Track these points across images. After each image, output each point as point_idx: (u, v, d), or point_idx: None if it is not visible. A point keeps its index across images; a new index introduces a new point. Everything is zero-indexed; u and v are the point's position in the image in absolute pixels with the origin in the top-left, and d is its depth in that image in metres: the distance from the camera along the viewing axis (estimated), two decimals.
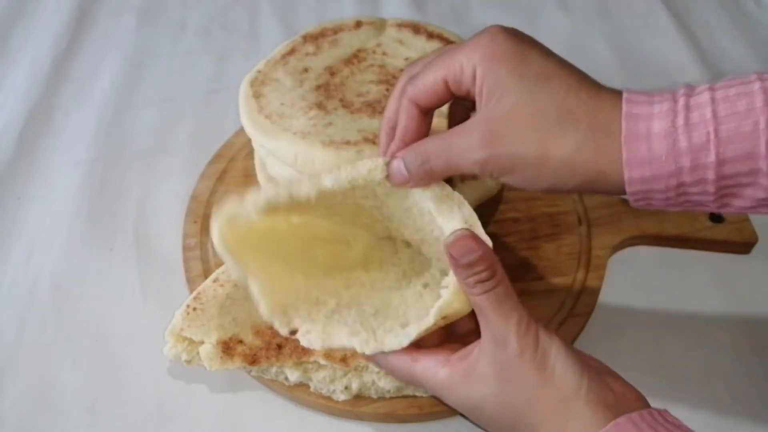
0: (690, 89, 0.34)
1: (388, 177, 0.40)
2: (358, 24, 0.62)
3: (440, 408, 0.50)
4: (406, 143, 0.39)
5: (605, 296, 0.57)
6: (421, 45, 0.60)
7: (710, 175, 0.32)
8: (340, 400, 0.50)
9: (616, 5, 0.91)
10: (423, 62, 0.40)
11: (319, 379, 0.49)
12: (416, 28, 0.61)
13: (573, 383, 0.37)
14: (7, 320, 0.56)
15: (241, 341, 0.49)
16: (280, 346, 0.49)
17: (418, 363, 0.39)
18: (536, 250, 0.59)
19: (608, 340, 0.55)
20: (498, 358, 0.37)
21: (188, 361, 0.49)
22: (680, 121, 0.32)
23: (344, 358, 0.49)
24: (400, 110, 0.39)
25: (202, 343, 0.49)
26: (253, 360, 0.48)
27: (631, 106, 0.34)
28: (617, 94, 0.35)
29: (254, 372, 0.50)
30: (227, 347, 0.48)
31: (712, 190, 0.33)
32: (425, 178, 0.39)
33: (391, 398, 0.50)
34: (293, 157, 0.51)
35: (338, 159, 0.49)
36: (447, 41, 0.60)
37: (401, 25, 0.62)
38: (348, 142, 0.50)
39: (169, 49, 0.83)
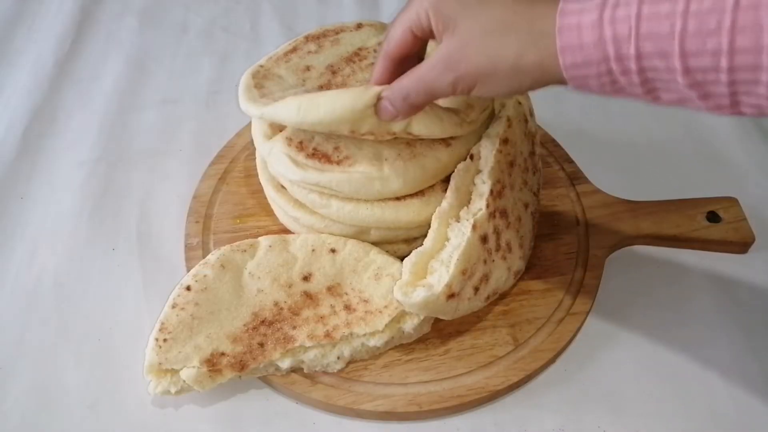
0: None
1: (378, 116, 0.47)
2: (359, 26, 0.62)
3: (439, 406, 0.50)
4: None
5: (603, 296, 0.58)
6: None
7: (633, 65, 0.36)
8: (336, 370, 0.51)
9: None
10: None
11: (311, 359, 0.50)
12: None
13: None
14: (10, 319, 0.57)
15: (223, 353, 0.49)
16: (261, 344, 0.50)
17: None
18: (535, 249, 0.59)
19: (605, 339, 0.56)
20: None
21: (178, 392, 0.49)
22: (607, 14, 0.36)
23: (328, 333, 0.50)
24: (376, 66, 0.48)
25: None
26: (241, 367, 0.49)
27: (565, 3, 0.38)
28: (552, 2, 0.39)
29: (246, 375, 0.50)
30: (212, 364, 0.49)
31: (637, 81, 0.37)
32: (410, 110, 0.47)
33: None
34: (296, 108, 0.49)
35: (345, 95, 0.48)
36: None
37: None
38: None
39: (171, 51, 0.84)
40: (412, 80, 0.45)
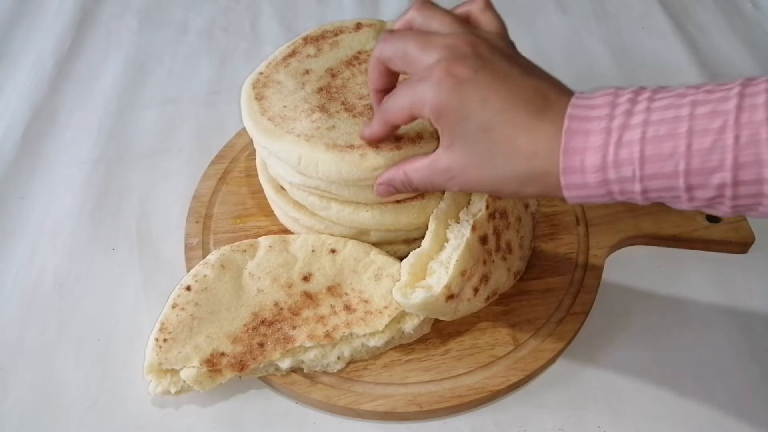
0: (627, 116, 0.36)
1: (376, 193, 0.50)
2: (358, 26, 0.62)
3: (439, 406, 0.50)
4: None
5: (603, 295, 0.58)
6: None
7: (638, 197, 0.38)
8: (336, 370, 0.51)
9: (614, 7, 0.91)
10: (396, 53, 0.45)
11: (311, 359, 0.50)
12: None
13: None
14: (10, 319, 0.57)
15: (222, 353, 0.49)
16: (261, 345, 0.50)
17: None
18: (535, 249, 0.59)
19: (605, 339, 0.56)
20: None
21: (179, 392, 0.49)
22: (610, 157, 0.36)
23: (328, 333, 0.50)
24: (374, 124, 0.48)
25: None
26: (241, 367, 0.49)
27: (569, 138, 0.38)
28: (557, 121, 0.38)
29: (246, 375, 0.50)
30: (212, 364, 0.49)
31: (641, 201, 0.38)
32: (413, 192, 0.50)
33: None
34: (297, 159, 0.51)
35: (342, 162, 0.50)
36: None
37: None
38: (351, 146, 0.51)
39: (171, 51, 0.84)
40: (417, 177, 0.46)
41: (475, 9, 0.46)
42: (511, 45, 0.44)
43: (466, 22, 0.45)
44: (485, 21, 0.45)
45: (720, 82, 0.36)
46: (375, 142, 0.50)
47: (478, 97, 0.40)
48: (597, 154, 0.37)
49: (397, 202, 0.54)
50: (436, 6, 0.46)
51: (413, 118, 0.44)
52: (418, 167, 0.46)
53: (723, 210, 0.37)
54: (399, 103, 0.44)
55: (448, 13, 0.46)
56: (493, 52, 0.42)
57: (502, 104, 0.39)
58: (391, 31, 0.46)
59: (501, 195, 0.46)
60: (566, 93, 0.40)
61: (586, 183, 0.38)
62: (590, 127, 0.37)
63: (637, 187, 0.37)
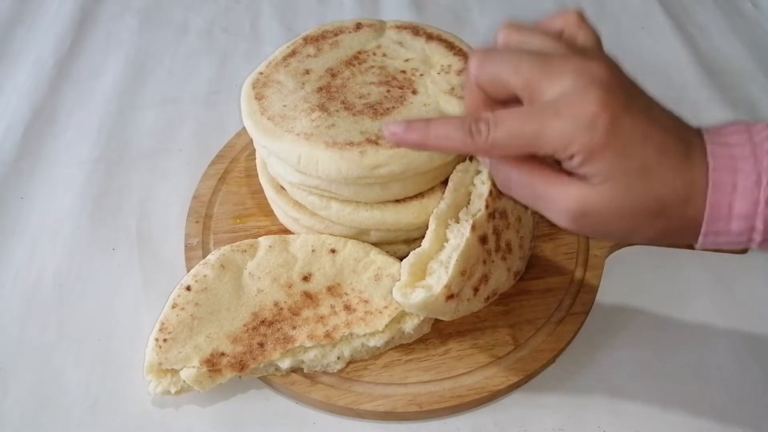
0: None
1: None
2: (358, 26, 0.62)
3: (439, 406, 0.50)
4: None
5: (603, 295, 0.58)
6: (420, 46, 0.60)
7: None
8: (336, 370, 0.51)
9: (614, 7, 0.91)
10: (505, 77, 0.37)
11: (311, 359, 0.50)
12: (415, 30, 0.62)
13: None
14: (10, 319, 0.57)
15: (222, 353, 0.49)
16: (261, 345, 0.50)
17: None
18: (535, 249, 0.59)
19: (605, 339, 0.56)
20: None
21: (179, 392, 0.49)
22: (761, 205, 0.34)
23: (328, 333, 0.50)
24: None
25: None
26: (241, 367, 0.49)
27: (717, 176, 0.35)
28: (702, 161, 0.35)
29: (246, 375, 0.50)
30: (212, 364, 0.49)
31: None
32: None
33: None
34: (296, 158, 0.51)
35: (341, 160, 0.50)
36: (446, 42, 0.60)
37: (400, 27, 0.62)
38: (351, 143, 0.51)
39: (171, 51, 0.84)
40: (538, 193, 0.38)
41: (571, 24, 0.40)
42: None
43: (562, 41, 0.39)
44: (583, 36, 0.39)
45: None
46: (402, 144, 0.40)
47: (640, 135, 0.35)
48: (746, 201, 0.34)
49: (397, 201, 0.54)
50: (526, 25, 0.40)
51: (530, 154, 0.37)
52: (562, 192, 0.37)
53: None
54: (516, 132, 0.36)
55: (542, 30, 0.39)
56: (623, 76, 0.37)
57: (660, 143, 0.35)
58: (486, 51, 0.39)
59: (629, 242, 0.41)
60: (692, 126, 0.37)
61: (729, 231, 0.35)
62: (737, 165, 0.34)
63: None
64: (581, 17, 0.40)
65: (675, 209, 0.36)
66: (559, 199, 0.37)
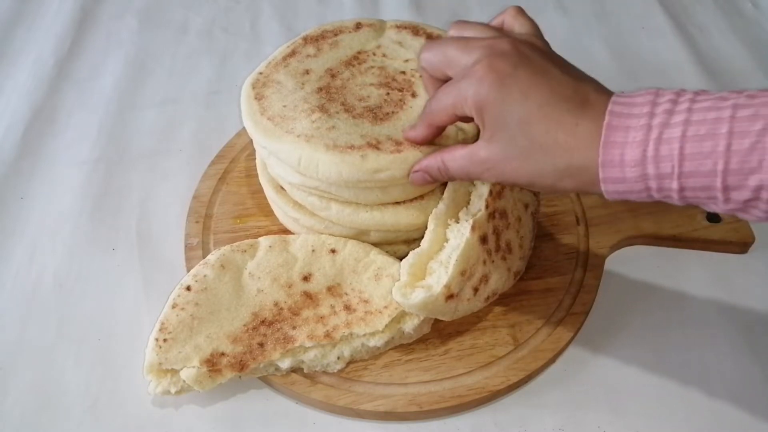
0: (668, 115, 0.37)
1: (412, 181, 0.50)
2: (358, 26, 0.62)
3: (439, 406, 0.50)
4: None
5: (603, 295, 0.58)
6: (420, 46, 0.60)
7: (674, 195, 0.38)
8: (336, 370, 0.51)
9: (614, 7, 0.91)
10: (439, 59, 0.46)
11: (311, 359, 0.50)
12: (415, 30, 0.62)
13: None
14: (10, 319, 0.57)
15: (222, 353, 0.49)
16: (261, 345, 0.50)
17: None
18: (535, 249, 0.59)
19: (606, 339, 0.56)
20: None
21: (179, 392, 0.49)
22: (650, 152, 0.37)
23: (328, 333, 0.50)
24: (419, 128, 0.50)
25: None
26: (241, 367, 0.49)
27: (609, 132, 0.38)
28: (598, 117, 0.39)
29: (246, 375, 0.50)
30: (212, 364, 0.49)
31: (678, 202, 0.39)
32: (448, 180, 0.50)
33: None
34: (297, 159, 0.51)
35: (342, 163, 0.50)
36: None
37: (400, 27, 0.62)
38: (352, 147, 0.51)
39: (171, 51, 0.84)
40: (455, 166, 0.47)
41: (508, 16, 0.47)
42: (547, 45, 0.45)
43: (500, 30, 0.47)
44: (519, 25, 0.47)
45: (762, 88, 0.36)
46: (419, 144, 0.51)
47: (519, 92, 0.41)
48: (637, 149, 0.37)
49: (397, 202, 0.54)
50: (471, 21, 0.48)
51: (457, 117, 0.45)
52: (457, 156, 0.46)
53: (757, 214, 0.37)
54: (442, 103, 0.45)
55: (483, 24, 0.48)
56: (533, 50, 0.43)
57: (542, 100, 0.40)
58: (429, 42, 0.48)
59: (536, 189, 0.46)
60: (605, 92, 0.41)
61: (625, 177, 0.38)
62: (631, 123, 0.38)
63: (675, 185, 0.37)
64: (518, 10, 0.47)
65: (560, 156, 0.40)
66: (476, 158, 0.44)
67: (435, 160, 0.48)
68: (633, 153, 0.37)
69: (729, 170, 0.35)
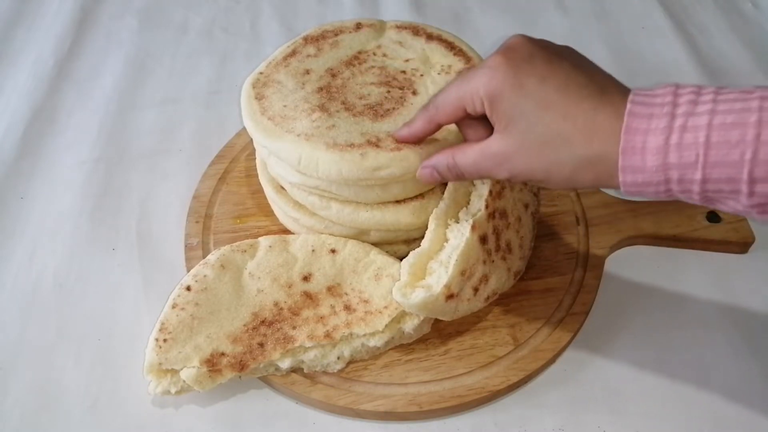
0: (692, 105, 0.36)
1: (420, 178, 0.49)
2: (358, 26, 0.62)
3: (439, 406, 0.50)
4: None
5: (603, 295, 0.58)
6: (420, 46, 0.60)
7: (695, 187, 0.36)
8: (336, 370, 0.51)
9: (614, 6, 0.91)
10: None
11: (311, 359, 0.50)
12: (415, 30, 0.62)
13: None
14: (11, 319, 0.57)
15: (222, 354, 0.49)
16: (261, 345, 0.50)
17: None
18: (535, 249, 0.59)
19: (606, 339, 0.56)
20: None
21: (179, 392, 0.49)
22: (674, 139, 0.35)
23: (328, 333, 0.50)
24: (417, 122, 0.49)
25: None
26: (241, 367, 0.49)
27: (631, 119, 0.37)
28: (618, 105, 0.38)
29: (246, 375, 0.50)
30: (212, 364, 0.49)
31: (697, 198, 0.37)
32: (457, 180, 0.48)
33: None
34: (297, 158, 0.51)
35: (342, 161, 0.50)
36: (446, 42, 0.60)
37: (401, 27, 0.62)
38: (352, 145, 0.51)
39: (171, 51, 0.84)
40: (466, 162, 0.45)
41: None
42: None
43: None
44: None
45: None
46: (411, 142, 0.50)
47: (536, 77, 0.40)
48: (660, 135, 0.36)
49: (397, 202, 0.54)
50: None
51: (463, 113, 0.44)
52: (468, 152, 0.45)
53: None
54: (449, 96, 0.44)
55: None
56: (547, 44, 0.42)
57: (560, 84, 0.39)
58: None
59: (551, 183, 0.42)
60: (622, 85, 0.40)
61: (645, 166, 0.36)
62: (654, 111, 0.36)
63: (699, 175, 0.35)
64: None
65: (579, 144, 0.38)
66: (488, 151, 0.43)
67: (445, 157, 0.47)
68: (656, 140, 0.36)
69: (758, 160, 0.33)
